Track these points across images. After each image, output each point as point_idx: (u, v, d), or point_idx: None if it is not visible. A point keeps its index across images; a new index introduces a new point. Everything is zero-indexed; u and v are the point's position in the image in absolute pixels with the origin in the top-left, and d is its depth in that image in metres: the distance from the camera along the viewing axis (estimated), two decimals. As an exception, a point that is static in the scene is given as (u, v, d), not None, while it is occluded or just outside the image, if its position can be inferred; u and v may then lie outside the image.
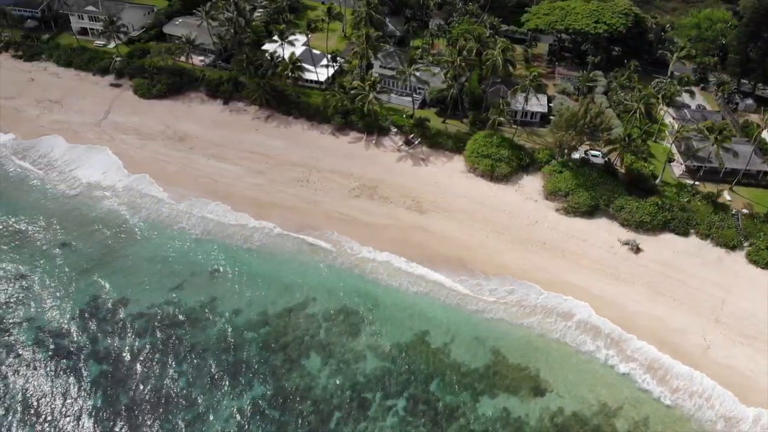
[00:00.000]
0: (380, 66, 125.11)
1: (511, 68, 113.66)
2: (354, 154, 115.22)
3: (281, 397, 76.97)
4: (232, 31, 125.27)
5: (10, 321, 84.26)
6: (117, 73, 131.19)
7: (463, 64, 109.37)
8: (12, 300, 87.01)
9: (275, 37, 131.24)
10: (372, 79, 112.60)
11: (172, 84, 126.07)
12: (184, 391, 76.91)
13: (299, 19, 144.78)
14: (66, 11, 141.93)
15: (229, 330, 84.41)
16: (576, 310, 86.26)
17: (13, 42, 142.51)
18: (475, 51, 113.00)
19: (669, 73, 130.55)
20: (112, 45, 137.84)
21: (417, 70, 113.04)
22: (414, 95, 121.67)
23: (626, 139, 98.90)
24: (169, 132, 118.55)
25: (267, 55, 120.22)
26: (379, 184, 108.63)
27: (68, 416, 74.04)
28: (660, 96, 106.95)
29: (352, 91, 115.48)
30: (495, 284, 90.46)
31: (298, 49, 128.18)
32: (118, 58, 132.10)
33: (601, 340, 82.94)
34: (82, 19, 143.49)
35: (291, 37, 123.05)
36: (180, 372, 79.15)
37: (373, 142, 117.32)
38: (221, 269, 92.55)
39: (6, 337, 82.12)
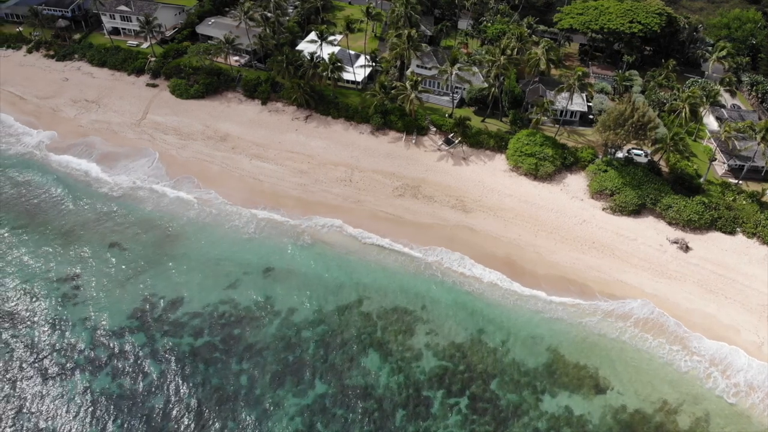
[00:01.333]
0: (417, 66, 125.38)
1: (553, 67, 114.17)
2: (394, 154, 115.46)
3: (344, 394, 77.19)
4: (270, 31, 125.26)
5: (66, 321, 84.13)
6: (153, 74, 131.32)
7: (506, 63, 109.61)
8: (66, 300, 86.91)
9: (310, 37, 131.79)
10: (414, 78, 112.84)
11: (209, 84, 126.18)
12: (248, 390, 77.02)
13: (330, 19, 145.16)
14: (99, 11, 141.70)
15: (286, 328, 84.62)
16: (636, 309, 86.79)
17: (44, 41, 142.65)
18: (516, 50, 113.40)
19: (703, 73, 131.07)
20: (145, 45, 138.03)
21: (459, 69, 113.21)
22: (452, 94, 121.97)
23: (673, 138, 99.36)
24: (209, 132, 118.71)
25: (307, 54, 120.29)
26: (422, 184, 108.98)
27: (131, 416, 74.04)
28: (705, 96, 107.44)
29: (393, 91, 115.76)
30: (547, 283, 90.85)
31: (334, 49, 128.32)
32: (153, 59, 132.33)
33: (661, 338, 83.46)
34: (114, 18, 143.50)
35: (330, 38, 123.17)
36: (241, 370, 79.25)
37: (413, 141, 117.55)
38: (274, 267, 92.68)
39: (64, 338, 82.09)
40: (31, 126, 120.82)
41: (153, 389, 76.91)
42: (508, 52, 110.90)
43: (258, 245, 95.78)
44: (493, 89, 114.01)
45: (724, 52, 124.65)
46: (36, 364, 78.73)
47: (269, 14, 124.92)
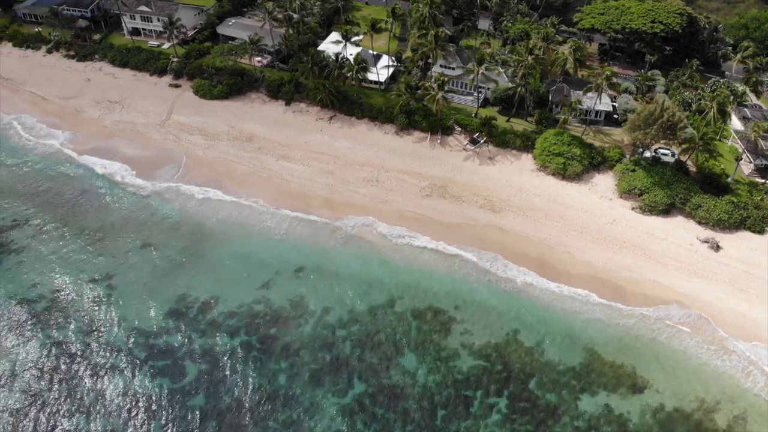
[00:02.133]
0: (441, 65, 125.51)
1: (578, 66, 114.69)
2: (420, 154, 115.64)
3: (384, 394, 77.23)
4: (294, 31, 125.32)
5: (103, 322, 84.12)
6: (175, 74, 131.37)
7: (533, 62, 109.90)
8: (102, 301, 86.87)
9: (332, 37, 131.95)
10: (441, 79, 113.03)
11: (233, 84, 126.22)
12: (287, 389, 77.03)
13: (351, 20, 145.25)
14: (120, 11, 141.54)
15: (322, 328, 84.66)
16: (672, 310, 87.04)
17: (64, 41, 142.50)
18: (542, 50, 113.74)
19: (723, 73, 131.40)
20: (166, 45, 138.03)
21: (486, 69, 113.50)
22: (476, 94, 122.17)
23: (703, 137, 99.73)
24: (235, 132, 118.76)
25: (331, 54, 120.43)
26: (449, 183, 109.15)
27: (171, 416, 74.04)
28: (732, 96, 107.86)
29: (419, 91, 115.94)
30: (581, 283, 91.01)
31: (357, 50, 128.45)
32: (176, 59, 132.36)
33: (698, 337, 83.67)
34: (135, 19, 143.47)
35: (354, 38, 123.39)
36: (279, 370, 79.25)
37: (438, 141, 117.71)
38: (306, 267, 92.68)
39: (101, 338, 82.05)
40: (55, 126, 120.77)
41: (192, 389, 76.87)
42: (536, 52, 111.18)
43: (290, 245, 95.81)
44: (519, 89, 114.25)
45: (749, 51, 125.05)
46: (75, 364, 78.68)
47: (294, 15, 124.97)
